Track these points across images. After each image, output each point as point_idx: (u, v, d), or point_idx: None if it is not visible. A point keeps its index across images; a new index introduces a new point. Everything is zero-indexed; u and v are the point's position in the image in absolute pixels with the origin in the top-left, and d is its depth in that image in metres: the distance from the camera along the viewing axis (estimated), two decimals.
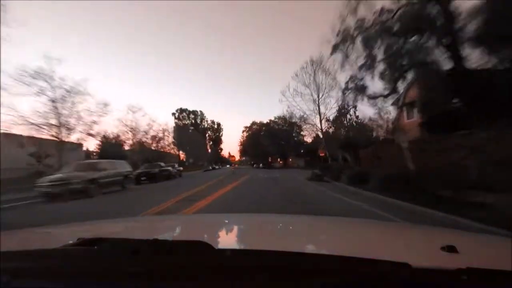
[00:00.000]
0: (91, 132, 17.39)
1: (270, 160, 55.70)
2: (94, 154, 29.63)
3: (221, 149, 77.24)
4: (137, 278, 0.49)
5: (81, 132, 16.89)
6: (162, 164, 19.24)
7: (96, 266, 0.53)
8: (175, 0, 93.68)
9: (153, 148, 30.17)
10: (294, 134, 51.84)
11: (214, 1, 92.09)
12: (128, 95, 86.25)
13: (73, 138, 16.98)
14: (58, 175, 9.31)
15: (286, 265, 0.50)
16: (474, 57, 7.88)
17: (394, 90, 11.77)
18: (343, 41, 11.03)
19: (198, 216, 3.25)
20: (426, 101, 10.09)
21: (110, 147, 25.82)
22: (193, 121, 66.94)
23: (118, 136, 26.60)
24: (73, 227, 1.36)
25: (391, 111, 21.47)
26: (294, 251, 0.59)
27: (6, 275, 0.50)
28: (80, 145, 25.40)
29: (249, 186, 11.94)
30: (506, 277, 0.49)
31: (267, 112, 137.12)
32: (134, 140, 26.31)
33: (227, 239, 1.13)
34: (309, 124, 24.27)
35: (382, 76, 12.03)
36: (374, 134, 22.53)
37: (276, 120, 52.13)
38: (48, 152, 17.39)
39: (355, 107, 19.69)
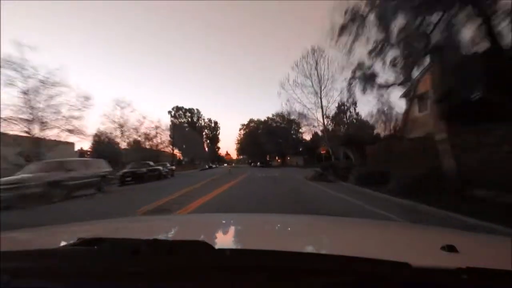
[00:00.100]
0: (69, 128, 15.81)
1: (268, 158, 54.72)
2: (88, 153, 28.40)
3: (219, 148, 76.11)
4: (137, 278, 0.49)
5: (59, 128, 15.37)
6: (151, 163, 17.82)
7: (96, 266, 0.53)
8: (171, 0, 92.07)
9: (147, 146, 29.01)
10: (292, 132, 50.80)
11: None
12: (123, 93, 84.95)
13: (51, 134, 15.38)
14: (14, 177, 7.82)
15: (286, 265, 0.50)
16: None
17: (408, 77, 10.36)
18: (351, 20, 9.63)
19: (198, 216, 3.20)
20: (451, 89, 8.60)
21: (103, 146, 24.52)
22: (189, 119, 65.93)
23: (111, 134, 25.06)
24: (73, 227, 1.36)
25: (397, 105, 20.20)
26: (294, 251, 0.60)
27: (6, 275, 0.50)
28: (71, 143, 24.05)
29: (245, 187, 10.73)
30: (506, 277, 0.48)
31: (265, 110, 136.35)
32: (123, 138, 24.76)
33: (227, 239, 1.13)
34: (310, 119, 21.80)
35: (394, 63, 10.50)
36: (376, 131, 21.19)
37: (274, 117, 50.93)
38: (40, 151, 15.91)
39: (355, 104, 18.28)
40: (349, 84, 12.09)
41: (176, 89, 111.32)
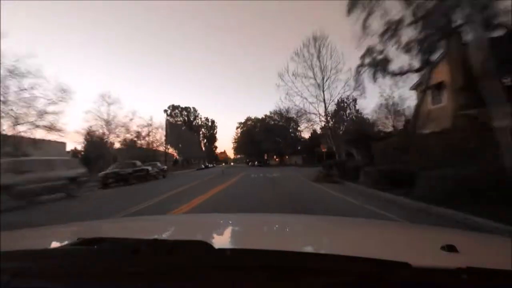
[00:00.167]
0: (45, 124, 14.33)
1: (266, 157, 53.54)
2: (82, 154, 26.78)
3: (216, 147, 74.72)
4: (137, 278, 0.49)
5: (32, 123, 13.87)
6: (138, 162, 16.34)
7: (96, 266, 0.52)
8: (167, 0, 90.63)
9: (139, 145, 27.83)
10: (291, 130, 49.64)
11: None
12: (122, 93, 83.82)
13: (22, 131, 13.94)
14: None
15: (286, 264, 0.50)
16: None
17: (426, 62, 8.96)
18: None
19: (198, 216, 3.11)
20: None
21: (93, 145, 23.08)
22: (185, 118, 64.74)
23: (98, 131, 23.50)
24: (73, 227, 1.37)
25: (402, 98, 18.81)
26: (294, 251, 0.59)
27: (6, 275, 0.50)
28: (62, 143, 22.66)
29: (236, 191, 9.14)
30: (506, 277, 0.48)
31: (263, 109, 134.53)
32: (111, 136, 23.10)
33: (227, 239, 1.12)
34: (311, 114, 19.58)
35: (408, 47, 9.14)
36: (383, 127, 19.86)
37: (272, 115, 49.62)
38: (28, 151, 14.75)
39: (364, 91, 16.61)
40: (357, 72, 10.69)
41: (172, 88, 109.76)
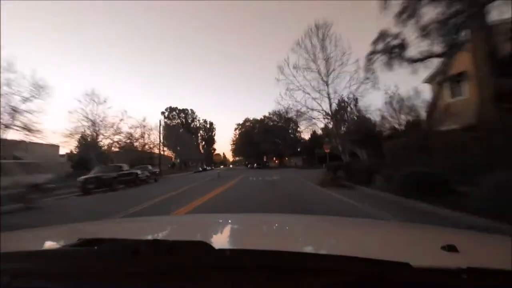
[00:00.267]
0: (18, 124, 13.00)
1: (265, 159, 52.41)
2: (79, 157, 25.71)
3: (214, 149, 73.52)
4: (137, 278, 0.49)
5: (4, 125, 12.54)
6: (125, 166, 14.99)
7: (96, 266, 0.52)
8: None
9: (135, 147, 26.66)
10: (290, 131, 48.59)
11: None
12: (114, 94, 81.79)
13: None
14: None
15: (286, 265, 0.50)
16: None
17: (454, 45, 7.69)
18: None
19: (198, 216, 3.09)
20: None
21: (88, 149, 21.55)
22: (183, 120, 63.56)
23: (97, 135, 22.08)
24: (73, 228, 1.35)
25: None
26: (294, 251, 0.59)
27: (6, 276, 0.50)
28: (55, 146, 21.47)
29: (230, 199, 7.90)
30: (506, 277, 0.48)
31: (262, 110, 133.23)
32: (98, 138, 21.57)
33: (227, 239, 1.11)
34: (314, 110, 17.68)
35: (429, 28, 7.98)
36: (395, 124, 18.42)
37: (271, 116, 48.57)
38: (16, 154, 13.53)
39: (376, 81, 15.06)
40: (368, 60, 9.49)
41: (169, 90, 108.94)
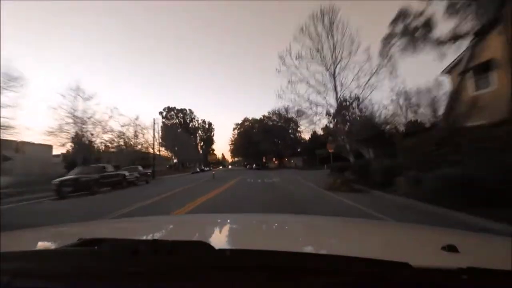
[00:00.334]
0: None
1: (264, 160, 51.19)
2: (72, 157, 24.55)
3: (213, 150, 72.39)
4: (137, 278, 0.49)
5: None
6: (109, 167, 13.70)
7: (96, 266, 0.52)
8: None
9: (132, 147, 25.47)
10: (290, 131, 47.43)
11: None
12: (113, 95, 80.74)
13: None
14: None
15: (286, 265, 0.50)
16: None
17: (496, 20, 6.46)
18: None
19: (198, 216, 3.00)
20: None
21: (81, 148, 20.30)
22: (181, 120, 62.62)
23: (82, 134, 20.74)
24: (73, 228, 1.36)
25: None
26: (294, 251, 0.58)
27: (6, 276, 0.50)
28: (48, 146, 20.22)
29: (227, 203, 6.94)
30: (507, 277, 0.48)
31: (261, 111, 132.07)
32: (80, 136, 20.11)
33: (227, 239, 1.11)
34: (318, 106, 15.50)
35: (454, 5, 6.63)
36: (413, 118, 17.06)
37: (271, 115, 47.42)
38: (8, 154, 12.26)
39: (393, 71, 13.36)
40: (385, 44, 8.24)
41: (168, 90, 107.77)
